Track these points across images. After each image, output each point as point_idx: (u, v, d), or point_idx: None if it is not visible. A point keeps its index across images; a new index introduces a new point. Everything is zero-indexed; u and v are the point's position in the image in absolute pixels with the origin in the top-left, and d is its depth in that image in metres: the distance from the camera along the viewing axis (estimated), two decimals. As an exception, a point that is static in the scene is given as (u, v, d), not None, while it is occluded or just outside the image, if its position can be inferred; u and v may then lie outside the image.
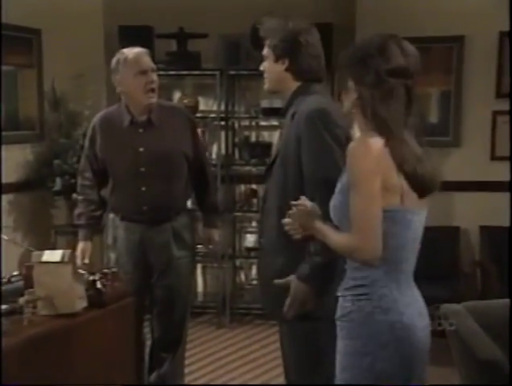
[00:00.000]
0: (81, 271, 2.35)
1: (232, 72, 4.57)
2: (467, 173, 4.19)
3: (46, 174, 4.23)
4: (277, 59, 2.26)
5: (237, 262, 4.95)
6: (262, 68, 2.30)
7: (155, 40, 4.54)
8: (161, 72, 4.60)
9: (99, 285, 2.34)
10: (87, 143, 2.99)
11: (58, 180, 4.18)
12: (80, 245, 2.98)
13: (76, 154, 4.11)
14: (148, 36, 4.51)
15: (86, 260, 2.93)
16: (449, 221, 4.08)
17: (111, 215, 2.99)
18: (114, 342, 2.43)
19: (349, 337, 1.72)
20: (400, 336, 1.68)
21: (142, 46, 4.50)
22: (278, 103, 4.46)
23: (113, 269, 2.47)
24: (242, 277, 4.99)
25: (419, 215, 1.75)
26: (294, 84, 2.25)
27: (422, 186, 1.70)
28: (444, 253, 4.06)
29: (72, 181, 4.08)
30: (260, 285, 2.35)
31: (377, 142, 1.66)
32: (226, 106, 4.68)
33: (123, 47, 4.46)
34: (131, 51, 2.88)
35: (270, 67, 2.28)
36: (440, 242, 3.98)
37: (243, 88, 4.72)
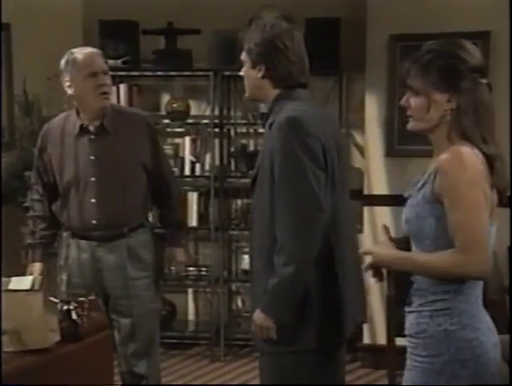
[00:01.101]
0: (54, 299, 2.32)
1: (227, 73, 4.56)
2: None
3: (16, 187, 4.18)
4: (254, 66, 2.30)
5: (233, 286, 4.92)
6: (242, 74, 2.34)
7: (141, 37, 4.54)
8: (147, 73, 4.67)
9: (74, 315, 2.32)
10: (36, 153, 3.04)
11: (29, 194, 4.14)
12: (30, 267, 2.98)
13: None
14: (133, 32, 4.53)
15: (35, 287, 2.91)
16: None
17: (64, 233, 3.02)
18: (92, 381, 2.39)
19: (426, 354, 1.84)
20: (477, 353, 1.81)
21: (126, 43, 4.58)
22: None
23: (91, 297, 2.44)
24: (239, 303, 4.95)
25: (494, 228, 1.89)
26: (274, 92, 2.29)
27: (505, 196, 1.87)
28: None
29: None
30: (252, 312, 2.34)
31: (470, 153, 1.79)
32: (221, 111, 4.67)
33: (104, 45, 4.52)
34: (81, 51, 2.96)
35: (247, 73, 2.32)
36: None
37: (239, 90, 4.68)
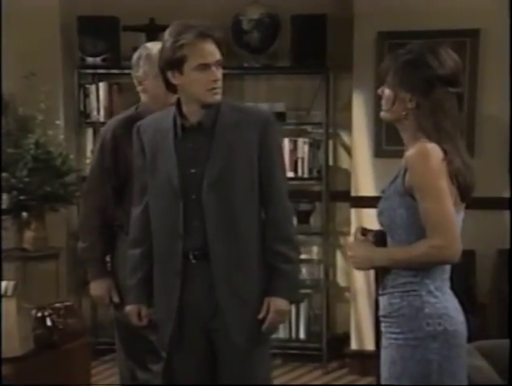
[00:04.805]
0: (27, 306, 2.29)
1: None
2: (482, 188, 4.02)
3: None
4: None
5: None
6: (220, 77, 2.37)
7: (121, 33, 4.51)
8: (128, 71, 4.58)
9: (49, 322, 2.30)
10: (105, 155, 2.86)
11: (5, 197, 4.11)
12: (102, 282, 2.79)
13: (27, 167, 4.06)
14: (113, 29, 4.49)
15: (116, 299, 2.76)
16: (463, 244, 3.99)
17: None
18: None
19: (400, 331, 2.03)
20: (447, 327, 2.01)
21: (106, 40, 4.54)
22: (280, 107, 4.43)
23: (67, 303, 2.41)
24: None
25: (461, 215, 2.09)
26: None
27: (469, 194, 2.07)
28: (457, 281, 3.99)
29: (21, 197, 4.04)
30: (233, 307, 2.35)
31: (435, 148, 1.98)
32: (204, 110, 4.64)
33: (83, 42, 4.48)
34: (155, 46, 2.84)
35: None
36: (452, 268, 3.90)
37: (224, 89, 4.66)
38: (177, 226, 2.30)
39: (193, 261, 2.31)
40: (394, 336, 2.05)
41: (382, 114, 2.12)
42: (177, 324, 2.34)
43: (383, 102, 2.11)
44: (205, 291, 2.33)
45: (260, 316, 2.34)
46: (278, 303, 2.35)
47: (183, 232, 2.30)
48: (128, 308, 2.43)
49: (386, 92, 2.07)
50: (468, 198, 2.07)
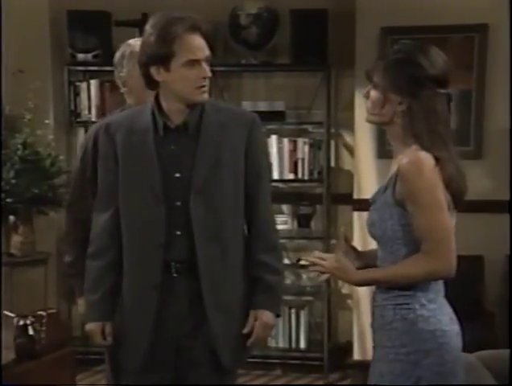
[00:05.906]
0: (9, 313, 2.25)
1: (206, 67, 4.50)
2: (491, 190, 4.12)
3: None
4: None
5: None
6: (209, 74, 2.27)
7: (113, 29, 4.48)
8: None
9: (31, 331, 2.26)
10: None
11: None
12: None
13: (14, 168, 4.04)
14: (104, 24, 4.47)
15: None
16: (470, 249, 3.95)
17: None
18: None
19: (391, 345, 2.03)
20: (441, 343, 1.99)
21: (98, 35, 4.51)
22: (280, 105, 4.40)
23: (50, 311, 2.37)
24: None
25: (453, 220, 2.05)
26: None
27: (461, 200, 2.04)
28: (464, 288, 3.96)
29: (8, 200, 4.02)
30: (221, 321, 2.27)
31: (428, 157, 1.96)
32: (200, 109, 4.61)
33: (73, 38, 4.45)
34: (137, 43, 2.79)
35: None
36: (460, 275, 3.86)
37: (221, 87, 4.62)
38: (158, 235, 2.19)
39: (174, 275, 2.21)
40: (385, 350, 2.04)
41: (369, 117, 2.09)
42: (151, 342, 2.22)
43: (369, 104, 2.07)
44: (185, 306, 2.23)
45: (246, 330, 2.26)
46: (265, 316, 2.28)
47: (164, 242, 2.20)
48: (90, 326, 2.27)
49: (374, 94, 2.04)
50: (461, 203, 2.05)
